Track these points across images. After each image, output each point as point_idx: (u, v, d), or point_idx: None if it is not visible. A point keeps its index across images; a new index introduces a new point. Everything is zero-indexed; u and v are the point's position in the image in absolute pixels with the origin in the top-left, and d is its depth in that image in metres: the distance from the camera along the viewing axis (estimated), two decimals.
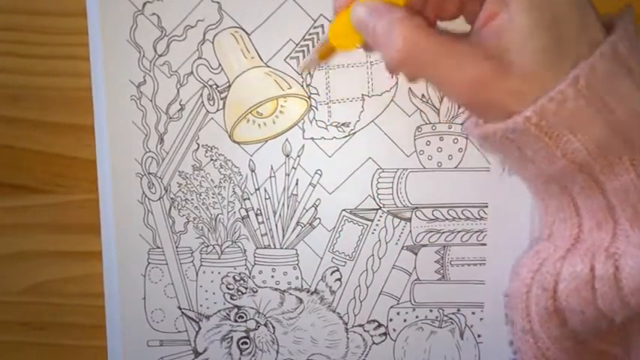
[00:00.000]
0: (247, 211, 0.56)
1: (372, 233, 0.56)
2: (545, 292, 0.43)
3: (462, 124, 0.54)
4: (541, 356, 0.44)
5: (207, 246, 0.56)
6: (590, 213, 0.42)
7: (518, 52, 0.39)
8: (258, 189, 0.55)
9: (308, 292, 0.57)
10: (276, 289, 0.57)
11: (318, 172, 0.55)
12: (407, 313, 0.57)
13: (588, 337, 0.44)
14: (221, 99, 0.54)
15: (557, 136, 0.39)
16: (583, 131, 0.39)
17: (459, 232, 0.55)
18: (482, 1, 0.42)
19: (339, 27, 0.44)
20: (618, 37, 0.40)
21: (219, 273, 0.57)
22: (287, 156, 0.55)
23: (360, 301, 0.57)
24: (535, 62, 0.39)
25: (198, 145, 0.55)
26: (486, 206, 0.54)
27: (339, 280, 0.57)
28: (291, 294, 0.57)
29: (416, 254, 0.56)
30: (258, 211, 0.56)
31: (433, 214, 0.55)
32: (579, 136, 0.39)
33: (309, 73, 0.54)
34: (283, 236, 0.56)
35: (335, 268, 0.57)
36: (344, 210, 0.56)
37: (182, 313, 0.57)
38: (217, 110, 0.54)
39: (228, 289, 0.57)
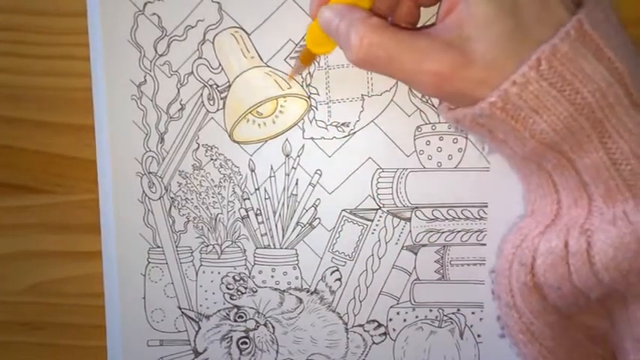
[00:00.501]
0: (247, 211, 0.56)
1: (372, 233, 0.56)
2: (524, 267, 0.44)
3: (436, 107, 0.54)
4: (526, 331, 0.45)
5: (207, 246, 0.56)
6: (566, 190, 0.43)
7: (478, 40, 0.40)
8: (258, 189, 0.55)
9: (308, 292, 0.57)
10: (275, 289, 0.57)
11: (318, 172, 0.55)
12: (407, 313, 0.57)
13: (571, 312, 0.44)
14: (221, 99, 0.54)
15: (523, 118, 0.40)
16: (548, 112, 0.39)
17: (459, 232, 0.55)
18: None
19: (315, 32, 0.47)
20: (585, 14, 0.40)
21: (219, 273, 0.57)
22: (287, 156, 0.55)
23: (360, 301, 0.57)
24: (496, 49, 0.40)
25: (199, 144, 0.55)
26: (486, 206, 0.54)
27: (339, 280, 0.57)
28: (290, 294, 0.57)
29: (416, 254, 0.56)
30: (258, 211, 0.56)
31: (433, 214, 0.55)
32: (545, 117, 0.40)
33: (301, 76, 0.54)
34: (283, 236, 0.56)
35: (335, 268, 0.57)
36: (344, 210, 0.56)
37: (182, 312, 0.57)
38: (217, 110, 0.54)
39: (228, 289, 0.57)
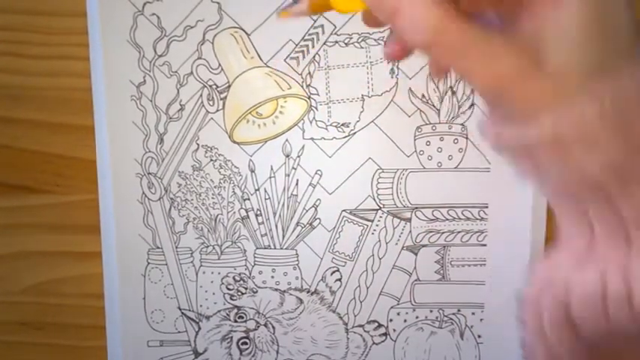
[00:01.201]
0: (247, 212, 0.56)
1: (372, 233, 0.56)
2: (557, 301, 0.43)
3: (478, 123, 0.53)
4: None
5: (207, 246, 0.56)
6: (602, 225, 0.41)
7: (555, 52, 0.38)
8: (258, 189, 0.55)
9: (308, 292, 0.57)
10: (276, 290, 0.57)
11: (318, 172, 0.55)
12: (407, 313, 0.57)
13: (607, 349, 0.44)
14: (221, 99, 0.54)
15: (572, 151, 0.38)
16: (600, 151, 0.37)
17: (459, 232, 0.55)
18: None
19: None
20: None
21: (219, 273, 0.57)
22: (287, 156, 0.55)
23: (360, 302, 0.57)
24: (573, 70, 0.37)
25: (198, 145, 0.55)
26: (486, 207, 0.54)
27: (339, 280, 0.57)
28: (291, 294, 0.57)
29: (416, 254, 0.56)
30: (258, 212, 0.56)
31: (433, 215, 0.55)
32: (596, 155, 0.37)
33: (301, 76, 0.53)
34: (283, 236, 0.56)
35: (335, 269, 0.57)
36: (344, 210, 0.56)
37: (182, 313, 0.57)
38: (217, 110, 0.54)
39: (228, 289, 0.57)
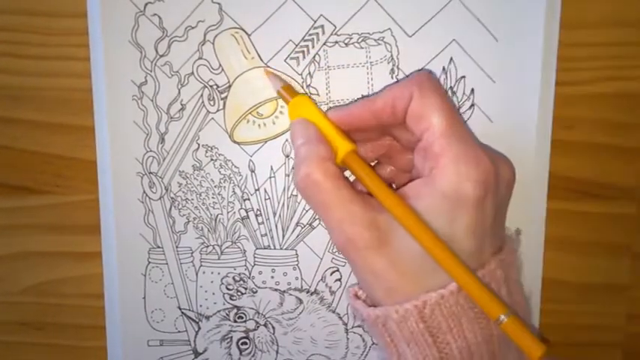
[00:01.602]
0: (247, 212, 0.56)
1: None
2: None
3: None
4: None
5: (207, 246, 0.56)
6: None
7: (400, 250, 0.43)
8: (258, 189, 0.55)
9: (308, 292, 0.57)
10: (275, 290, 0.57)
11: None
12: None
13: None
14: (221, 99, 0.54)
15: (396, 343, 0.43)
16: (417, 350, 0.42)
17: None
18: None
19: (296, 109, 0.50)
20: (485, 273, 0.43)
21: (218, 273, 0.57)
22: (287, 156, 0.55)
23: None
24: (409, 265, 0.43)
25: (199, 145, 0.55)
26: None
27: (339, 280, 0.57)
28: (290, 294, 0.57)
29: None
30: (258, 212, 0.56)
31: None
32: (413, 352, 0.42)
33: (301, 76, 0.54)
34: (283, 237, 0.56)
35: (335, 269, 0.57)
36: None
37: (182, 313, 0.57)
38: (217, 110, 0.54)
39: (228, 289, 0.57)
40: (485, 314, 0.42)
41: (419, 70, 0.53)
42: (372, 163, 0.53)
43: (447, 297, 0.41)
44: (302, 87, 0.54)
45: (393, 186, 0.52)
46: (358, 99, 0.53)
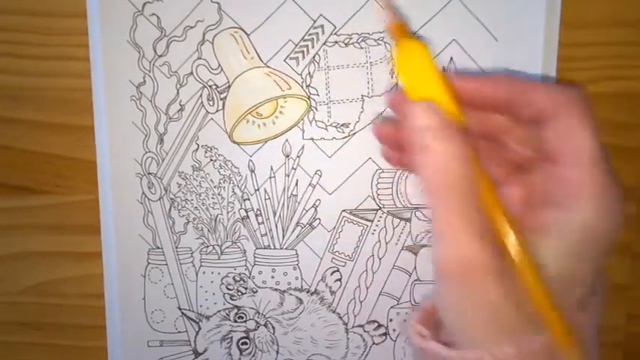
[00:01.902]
0: (247, 212, 0.56)
1: (372, 234, 0.56)
2: None
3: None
4: None
5: (207, 246, 0.56)
6: None
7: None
8: (258, 189, 0.55)
9: (308, 292, 0.57)
10: (276, 290, 0.57)
11: (318, 172, 0.55)
12: (407, 313, 0.57)
13: None
14: (221, 99, 0.54)
15: None
16: None
17: None
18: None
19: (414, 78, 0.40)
20: None
21: (218, 273, 0.57)
22: (287, 156, 0.55)
23: (360, 302, 0.57)
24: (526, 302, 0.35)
25: (198, 145, 0.55)
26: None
27: (339, 280, 0.57)
28: (291, 294, 0.57)
29: (416, 254, 0.56)
30: (258, 212, 0.56)
31: None
32: None
33: (301, 76, 0.54)
34: (283, 237, 0.56)
35: (335, 269, 0.57)
36: (344, 210, 0.56)
37: (182, 313, 0.57)
38: (217, 111, 0.54)
39: (228, 289, 0.57)
40: None
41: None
42: None
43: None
44: (302, 87, 0.54)
45: None
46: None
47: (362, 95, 0.54)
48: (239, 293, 0.57)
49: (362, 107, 0.54)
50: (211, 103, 0.54)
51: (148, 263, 0.56)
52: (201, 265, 0.57)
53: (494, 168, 0.41)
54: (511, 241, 0.35)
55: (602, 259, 0.36)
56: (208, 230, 0.56)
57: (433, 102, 0.37)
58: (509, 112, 0.39)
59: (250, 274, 0.57)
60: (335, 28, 0.52)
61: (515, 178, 0.41)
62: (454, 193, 0.35)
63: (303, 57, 0.53)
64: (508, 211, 0.36)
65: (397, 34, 0.41)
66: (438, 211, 0.36)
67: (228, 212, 0.56)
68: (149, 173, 0.55)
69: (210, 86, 0.54)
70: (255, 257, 0.57)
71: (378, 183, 0.55)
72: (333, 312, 0.57)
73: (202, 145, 0.55)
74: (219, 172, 0.55)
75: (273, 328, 0.57)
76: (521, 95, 0.38)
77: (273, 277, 0.57)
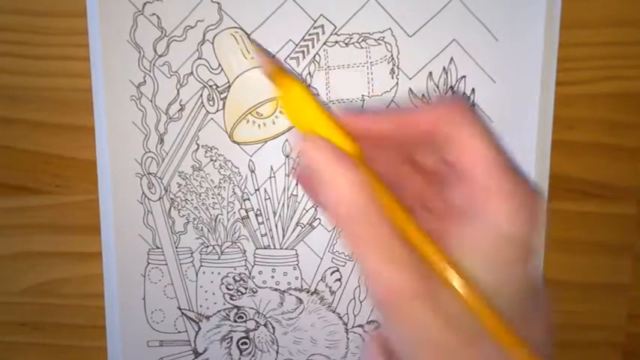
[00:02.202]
0: (247, 212, 0.56)
1: None
2: None
3: None
4: None
5: (207, 246, 0.56)
6: None
7: (451, 295, 0.35)
8: (258, 189, 0.55)
9: (308, 292, 0.57)
10: (275, 290, 0.57)
11: None
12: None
13: None
14: (221, 99, 0.54)
15: None
16: None
17: None
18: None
19: (297, 109, 0.39)
20: None
21: (218, 273, 0.57)
22: (287, 156, 0.55)
23: (360, 302, 0.57)
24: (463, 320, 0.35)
25: (198, 145, 0.55)
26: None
27: (339, 280, 0.57)
28: (290, 294, 0.57)
29: None
30: (258, 212, 0.56)
31: None
32: None
33: (301, 76, 0.54)
34: (283, 237, 0.56)
35: (335, 269, 0.57)
36: None
37: (182, 313, 0.57)
38: (217, 111, 0.54)
39: (228, 289, 0.57)
40: None
41: (419, 70, 0.53)
42: None
43: None
44: None
45: None
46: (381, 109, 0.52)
47: (362, 95, 0.54)
48: (239, 293, 0.57)
49: (362, 107, 0.54)
50: (211, 103, 0.54)
51: (148, 263, 0.56)
52: (201, 265, 0.57)
53: (415, 192, 0.42)
54: (436, 259, 0.35)
55: (525, 265, 0.36)
56: (208, 230, 0.56)
57: (322, 137, 0.37)
58: (405, 142, 0.39)
59: (250, 274, 0.57)
60: (335, 27, 0.53)
61: (437, 197, 0.41)
62: (361, 223, 0.35)
63: (304, 57, 0.53)
64: (422, 229, 0.36)
65: (275, 77, 0.40)
66: (351, 244, 0.36)
67: (228, 212, 0.56)
68: (149, 173, 0.55)
69: (210, 86, 0.54)
70: (255, 257, 0.57)
71: None
72: (333, 312, 0.57)
73: (202, 145, 0.55)
74: (220, 172, 0.55)
75: (273, 328, 0.57)
76: (406, 124, 0.38)
77: (273, 277, 0.57)
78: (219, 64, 0.53)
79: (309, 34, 0.53)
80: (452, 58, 0.53)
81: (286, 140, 0.55)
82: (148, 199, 0.55)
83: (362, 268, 0.36)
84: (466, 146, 0.36)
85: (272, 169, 0.55)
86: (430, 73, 0.53)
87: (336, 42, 0.53)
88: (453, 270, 0.35)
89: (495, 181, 0.35)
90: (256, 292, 0.57)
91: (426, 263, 0.35)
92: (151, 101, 0.54)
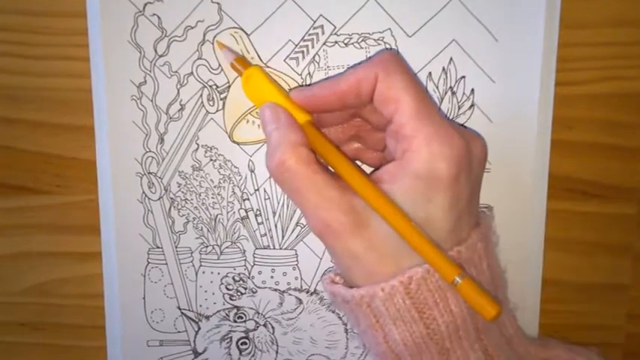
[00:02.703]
0: (247, 212, 0.56)
1: None
2: None
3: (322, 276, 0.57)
4: None
5: (207, 246, 0.56)
6: None
7: (377, 230, 0.43)
8: (258, 189, 0.55)
9: (307, 292, 0.57)
10: (275, 290, 0.57)
11: None
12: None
13: None
14: (221, 99, 0.54)
15: (382, 323, 0.43)
16: (404, 327, 0.42)
17: None
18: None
19: (254, 88, 0.50)
20: (468, 246, 0.43)
21: (218, 273, 0.57)
22: None
23: None
24: (386, 246, 0.43)
25: (198, 145, 0.55)
26: (487, 208, 0.54)
27: None
28: (290, 294, 0.57)
29: None
30: (258, 212, 0.56)
31: None
32: (400, 330, 0.42)
33: (301, 76, 0.54)
34: (283, 237, 0.56)
35: (335, 269, 0.57)
36: None
37: (182, 313, 0.57)
38: (217, 111, 0.54)
39: (228, 289, 0.57)
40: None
41: (418, 71, 0.53)
42: None
43: (432, 271, 0.41)
44: (302, 87, 0.54)
45: (360, 165, 0.53)
46: (322, 80, 0.53)
47: None
48: (238, 293, 0.57)
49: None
50: (211, 103, 0.54)
51: (148, 263, 0.56)
52: (200, 265, 0.57)
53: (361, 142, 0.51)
54: (370, 194, 0.42)
55: (442, 202, 0.42)
56: (208, 230, 0.56)
57: (277, 104, 0.47)
58: (354, 103, 0.47)
59: (250, 274, 0.57)
60: (335, 28, 0.53)
61: (378, 143, 0.50)
62: (296, 174, 0.43)
63: (303, 57, 0.53)
64: (360, 172, 0.44)
65: (239, 67, 0.51)
66: (287, 192, 0.45)
67: (227, 212, 0.56)
68: (149, 173, 0.55)
69: (210, 86, 0.54)
70: (254, 257, 0.57)
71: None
72: (333, 312, 0.57)
73: (202, 145, 0.55)
74: (219, 172, 0.55)
75: (273, 328, 0.57)
76: (343, 85, 0.46)
77: (272, 277, 0.57)
78: (219, 65, 0.54)
79: (309, 35, 0.53)
80: (451, 59, 0.53)
81: None
82: (149, 198, 0.55)
83: (300, 209, 0.46)
84: (392, 96, 0.43)
85: None
86: (430, 73, 0.53)
87: (336, 42, 0.53)
88: (382, 203, 0.42)
89: (415, 128, 0.42)
90: (256, 292, 0.57)
91: (358, 200, 0.42)
92: (152, 101, 0.54)
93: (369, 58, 0.52)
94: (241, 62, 0.51)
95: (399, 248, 0.42)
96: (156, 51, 0.53)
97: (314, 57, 0.53)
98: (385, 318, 0.43)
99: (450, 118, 0.54)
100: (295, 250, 0.56)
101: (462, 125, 0.53)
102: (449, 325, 0.42)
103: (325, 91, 0.46)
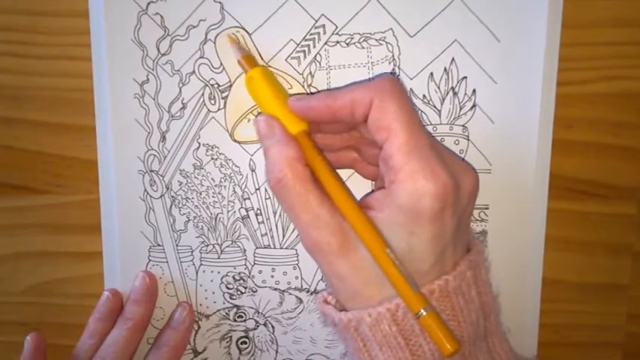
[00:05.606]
0: (247, 211, 0.56)
1: None
2: None
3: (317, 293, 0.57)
4: None
5: (207, 245, 0.56)
6: None
7: (364, 250, 0.43)
8: (259, 189, 0.56)
9: (308, 292, 0.57)
10: (275, 289, 0.57)
11: None
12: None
13: None
14: (222, 98, 0.54)
15: (369, 347, 0.44)
16: (389, 353, 0.43)
17: None
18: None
19: (257, 91, 0.50)
20: (456, 275, 0.43)
21: (218, 272, 0.57)
22: None
23: None
24: (371, 275, 0.43)
25: (199, 143, 0.55)
26: (487, 208, 0.55)
27: None
28: (290, 294, 0.57)
29: None
30: (259, 211, 0.56)
31: None
32: (386, 355, 0.43)
33: (302, 76, 0.54)
34: (283, 236, 0.56)
35: None
36: None
37: None
38: (218, 109, 0.54)
39: (228, 288, 0.57)
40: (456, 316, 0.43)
41: (420, 71, 0.53)
42: None
43: (413, 301, 0.42)
44: (303, 87, 0.54)
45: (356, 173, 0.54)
46: (322, 91, 0.53)
47: None
48: (239, 292, 0.57)
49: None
50: (213, 101, 0.54)
51: (149, 260, 0.56)
52: (201, 264, 0.57)
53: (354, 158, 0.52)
54: (353, 218, 0.43)
55: (432, 232, 0.42)
56: (208, 229, 0.56)
57: (272, 116, 0.47)
58: (349, 121, 0.47)
59: (250, 273, 0.57)
60: (336, 27, 0.53)
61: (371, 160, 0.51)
62: (290, 192, 0.44)
63: (305, 56, 0.53)
64: (348, 194, 0.45)
65: (245, 65, 0.51)
66: (283, 207, 0.46)
67: (228, 211, 0.56)
68: (151, 170, 0.55)
69: (212, 85, 0.54)
70: (255, 257, 0.57)
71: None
72: None
73: (204, 144, 0.55)
74: (220, 171, 0.55)
75: (273, 327, 0.57)
76: (339, 102, 0.46)
77: (272, 276, 0.57)
78: (221, 63, 0.54)
79: (311, 34, 0.53)
80: (453, 59, 0.53)
81: None
82: (150, 196, 0.55)
83: (294, 225, 0.48)
84: (384, 125, 0.43)
85: None
86: (431, 73, 0.53)
87: (338, 42, 0.53)
88: (364, 230, 0.43)
89: (402, 162, 0.42)
90: (256, 291, 0.57)
91: (346, 223, 0.44)
92: (154, 99, 0.54)
93: (371, 79, 0.53)
94: (248, 61, 0.51)
95: (383, 275, 0.42)
96: (158, 50, 0.53)
97: (315, 57, 0.53)
98: (372, 343, 0.43)
99: (452, 119, 0.54)
100: (296, 250, 0.56)
101: (461, 158, 0.53)
102: (434, 352, 0.42)
103: (321, 105, 0.46)
